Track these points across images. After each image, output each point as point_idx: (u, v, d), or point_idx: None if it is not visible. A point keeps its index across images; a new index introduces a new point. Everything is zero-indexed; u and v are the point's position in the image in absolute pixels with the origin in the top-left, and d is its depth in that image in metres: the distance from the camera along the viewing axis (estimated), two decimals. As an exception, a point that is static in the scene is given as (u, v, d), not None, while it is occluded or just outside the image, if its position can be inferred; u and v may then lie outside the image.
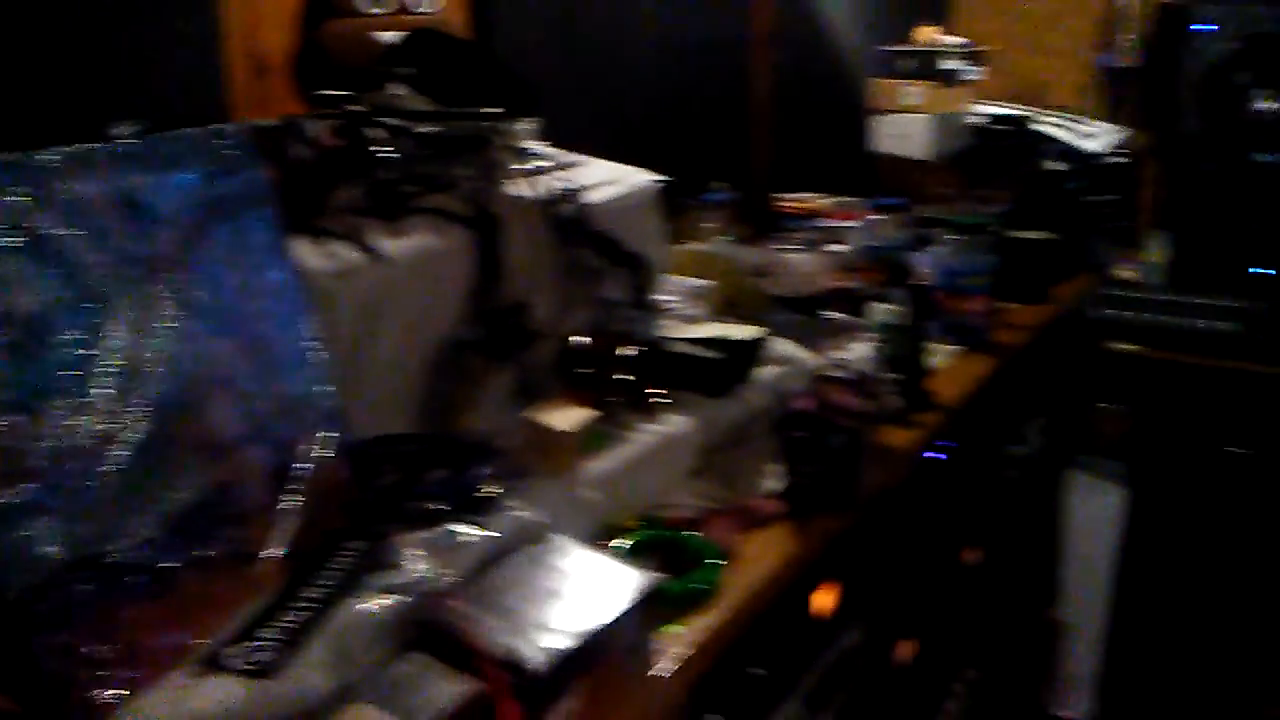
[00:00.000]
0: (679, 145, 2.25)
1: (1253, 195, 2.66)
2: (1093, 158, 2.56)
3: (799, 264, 2.21)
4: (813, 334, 1.85)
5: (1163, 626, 2.60)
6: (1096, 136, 2.59)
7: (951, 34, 2.74)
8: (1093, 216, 2.66)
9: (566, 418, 1.24)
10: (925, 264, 2.08)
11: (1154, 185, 3.00)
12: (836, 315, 2.01)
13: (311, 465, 1.01)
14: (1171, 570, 2.56)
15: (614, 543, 1.21)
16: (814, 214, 2.52)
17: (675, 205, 1.75)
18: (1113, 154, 2.63)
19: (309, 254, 1.11)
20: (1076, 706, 2.70)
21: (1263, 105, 2.61)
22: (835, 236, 2.32)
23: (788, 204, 2.57)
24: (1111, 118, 2.85)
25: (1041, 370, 2.28)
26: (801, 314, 1.94)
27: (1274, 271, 2.57)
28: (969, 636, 2.11)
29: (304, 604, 0.91)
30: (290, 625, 0.88)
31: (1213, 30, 2.60)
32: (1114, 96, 2.92)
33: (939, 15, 3.21)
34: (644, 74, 2.25)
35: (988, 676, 2.18)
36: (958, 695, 2.08)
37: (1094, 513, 2.52)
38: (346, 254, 1.14)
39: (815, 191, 2.71)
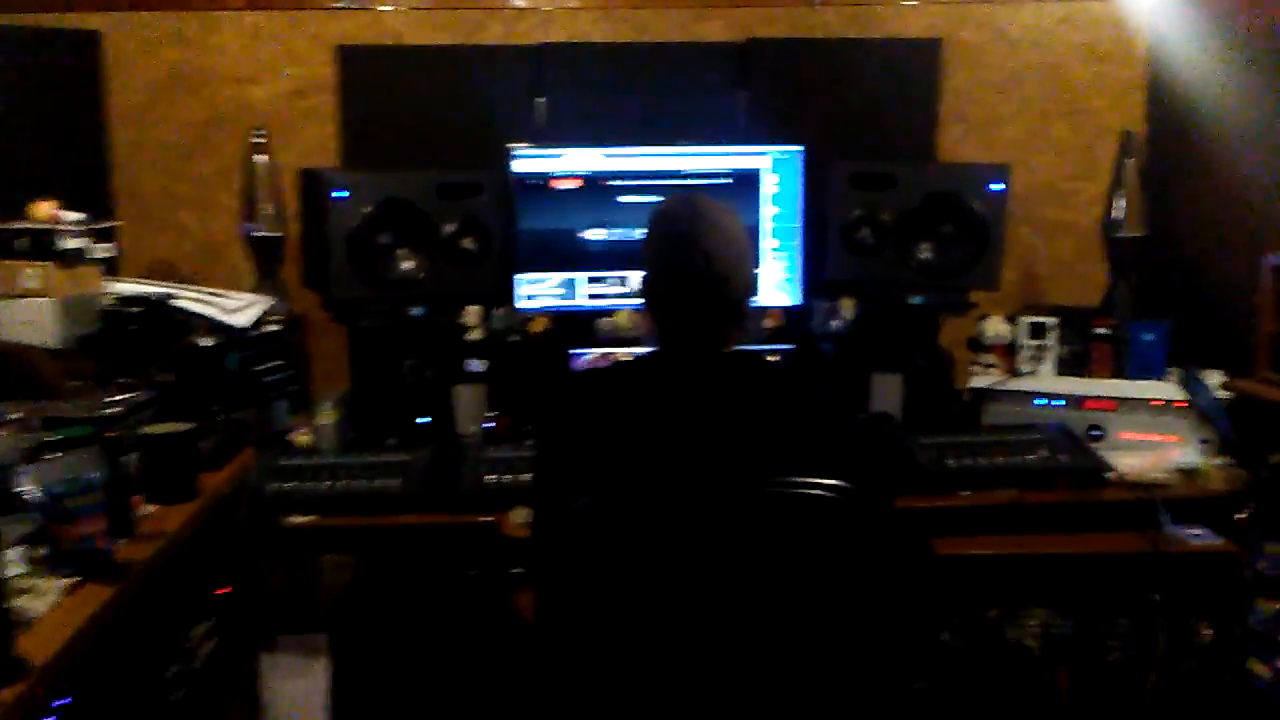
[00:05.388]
0: None
1: (411, 347, 2.83)
2: (245, 330, 2.52)
3: None
4: None
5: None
6: (243, 308, 2.55)
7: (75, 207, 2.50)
8: (263, 388, 2.63)
9: None
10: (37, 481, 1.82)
11: (323, 348, 3.10)
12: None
13: None
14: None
15: None
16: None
17: None
18: (266, 322, 2.61)
19: None
20: None
21: (407, 264, 2.79)
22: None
23: None
24: (262, 285, 2.86)
25: (203, 569, 2.14)
26: None
27: (430, 419, 2.76)
28: None
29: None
30: None
31: (349, 196, 2.72)
32: (263, 263, 2.93)
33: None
34: None
35: None
36: None
37: (298, 692, 2.44)
38: None
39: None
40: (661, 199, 1.95)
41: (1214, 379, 2.76)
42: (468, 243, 2.82)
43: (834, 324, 2.99)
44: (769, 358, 2.87)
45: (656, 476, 1.70)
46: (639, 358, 1.85)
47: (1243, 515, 2.56)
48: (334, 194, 2.71)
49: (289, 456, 2.53)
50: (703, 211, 1.79)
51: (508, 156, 2.89)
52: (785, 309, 3.01)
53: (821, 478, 1.65)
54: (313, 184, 2.91)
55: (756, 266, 2.68)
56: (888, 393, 2.91)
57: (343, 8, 3.26)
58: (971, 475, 2.55)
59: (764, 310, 2.98)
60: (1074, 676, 2.59)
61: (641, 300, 1.82)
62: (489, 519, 2.42)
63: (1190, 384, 2.76)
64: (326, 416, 2.69)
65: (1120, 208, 3.01)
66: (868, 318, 2.97)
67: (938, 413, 2.87)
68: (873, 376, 2.92)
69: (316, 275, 2.92)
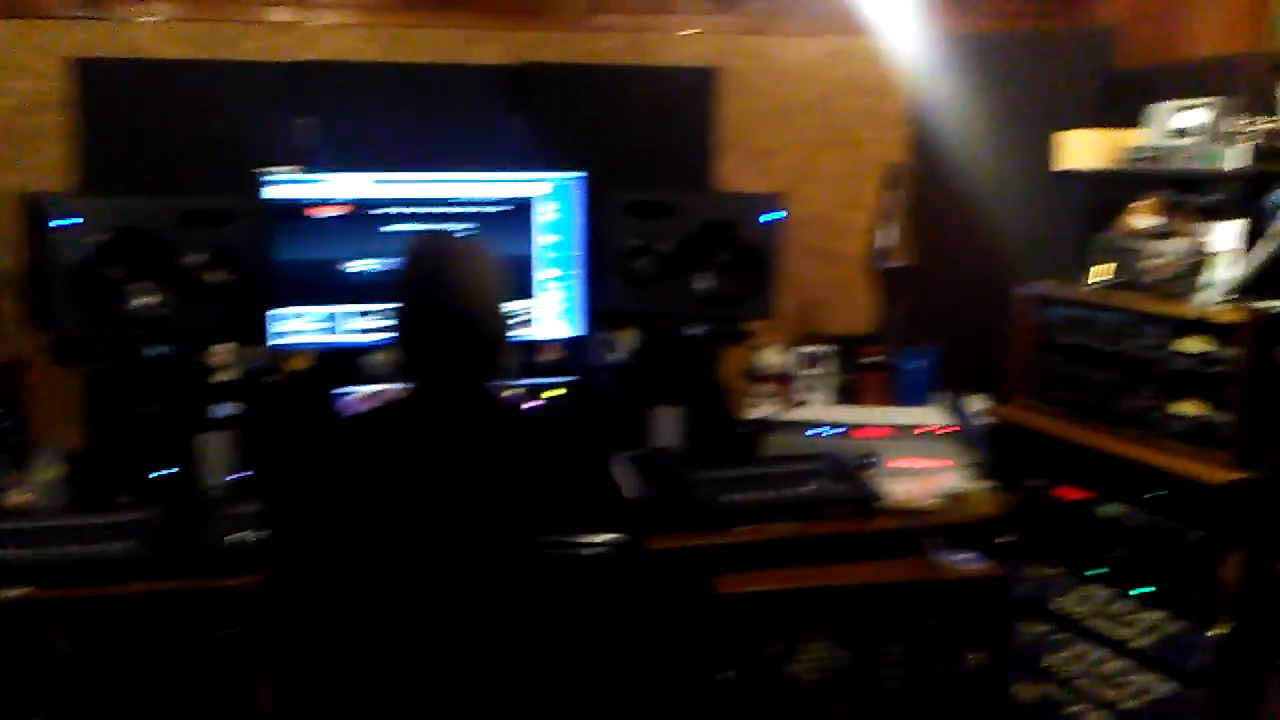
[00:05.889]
0: None
1: (150, 392, 2.58)
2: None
3: None
4: None
5: None
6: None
7: None
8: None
9: None
10: None
11: (49, 395, 2.78)
12: None
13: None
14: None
15: None
16: None
17: None
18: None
19: None
20: None
21: (142, 299, 2.54)
22: None
23: None
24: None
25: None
26: None
27: (175, 470, 2.52)
28: None
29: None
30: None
31: (78, 224, 2.45)
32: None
33: None
34: None
35: None
36: None
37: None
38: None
39: None
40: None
41: (977, 405, 2.83)
42: (215, 275, 2.60)
43: (613, 356, 2.92)
44: (547, 392, 2.78)
45: (405, 539, 1.62)
46: (385, 404, 1.82)
47: (1005, 539, 2.63)
48: (53, 222, 2.44)
49: (10, 518, 2.24)
50: (454, 248, 1.81)
51: (259, 182, 2.68)
52: (566, 340, 2.92)
53: (574, 530, 1.61)
54: (31, 211, 2.61)
55: (513, 301, 2.65)
56: (669, 426, 2.85)
57: (78, 17, 2.96)
58: (748, 510, 2.52)
59: (540, 343, 2.88)
60: (850, 708, 2.58)
61: (393, 336, 1.75)
62: (237, 582, 2.20)
63: (954, 410, 2.83)
64: (47, 472, 2.40)
65: (889, 237, 3.07)
66: (648, 349, 2.91)
67: (718, 445, 2.83)
68: (653, 410, 2.86)
69: (40, 313, 2.63)
